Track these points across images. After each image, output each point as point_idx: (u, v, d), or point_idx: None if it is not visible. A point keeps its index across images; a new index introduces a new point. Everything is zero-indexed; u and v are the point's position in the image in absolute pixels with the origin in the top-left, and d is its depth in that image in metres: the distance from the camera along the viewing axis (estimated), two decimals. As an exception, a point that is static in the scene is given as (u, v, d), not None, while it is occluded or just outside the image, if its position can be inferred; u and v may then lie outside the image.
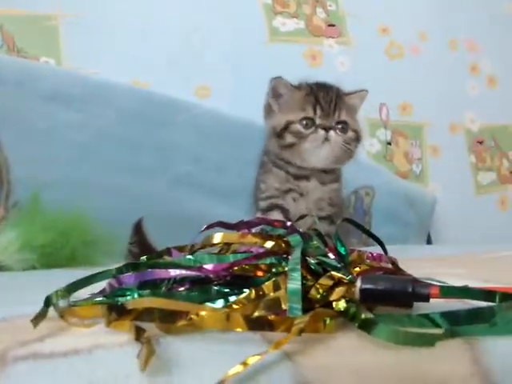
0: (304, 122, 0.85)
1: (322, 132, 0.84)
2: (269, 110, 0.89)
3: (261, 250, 0.41)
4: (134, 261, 0.42)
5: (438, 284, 0.37)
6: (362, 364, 0.30)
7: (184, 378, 0.29)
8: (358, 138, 0.88)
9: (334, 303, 0.34)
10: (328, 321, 0.32)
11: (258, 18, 1.52)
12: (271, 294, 0.34)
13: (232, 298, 0.35)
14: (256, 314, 0.33)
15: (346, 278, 0.36)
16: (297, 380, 0.29)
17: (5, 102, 1.03)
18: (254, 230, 0.46)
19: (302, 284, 0.34)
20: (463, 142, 1.72)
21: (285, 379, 0.29)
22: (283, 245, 0.41)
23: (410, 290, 0.35)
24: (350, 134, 0.87)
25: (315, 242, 0.42)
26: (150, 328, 0.31)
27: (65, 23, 1.31)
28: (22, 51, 1.27)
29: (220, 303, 0.35)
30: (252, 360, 0.28)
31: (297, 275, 0.34)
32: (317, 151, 0.85)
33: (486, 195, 1.72)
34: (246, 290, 0.35)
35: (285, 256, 0.39)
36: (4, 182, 1.00)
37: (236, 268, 0.38)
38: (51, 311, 0.36)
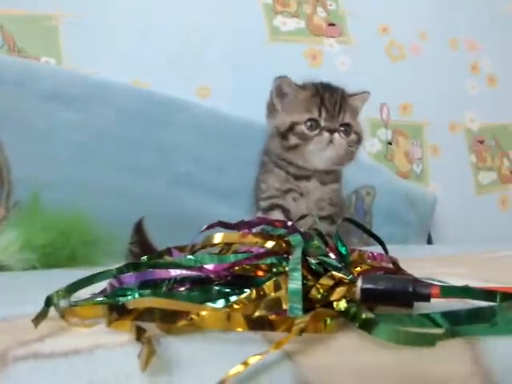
0: (309, 124, 0.84)
1: (326, 134, 0.83)
2: (272, 109, 0.89)
3: (261, 250, 0.41)
4: (135, 261, 0.42)
5: (439, 284, 0.37)
6: (363, 364, 0.30)
7: (185, 377, 0.29)
8: (359, 140, 0.88)
9: (334, 303, 0.34)
10: (329, 321, 0.32)
11: (258, 18, 1.52)
12: (272, 293, 0.34)
13: (233, 298, 0.35)
14: (257, 313, 0.33)
15: (347, 278, 0.36)
16: (297, 380, 0.29)
17: (5, 101, 1.03)
18: (254, 230, 0.46)
19: (303, 284, 0.34)
20: (463, 142, 1.72)
21: (285, 379, 0.29)
22: (284, 245, 0.41)
23: (411, 289, 0.35)
24: (353, 136, 0.86)
25: (316, 242, 0.42)
26: (151, 328, 0.31)
27: (65, 23, 1.32)
28: (23, 51, 1.27)
29: (221, 303, 0.35)
30: (253, 360, 0.28)
31: (297, 275, 0.34)
32: (321, 153, 0.84)
33: (487, 195, 1.72)
34: (247, 290, 0.35)
35: (285, 256, 0.39)
36: (4, 182, 1.00)
37: (237, 268, 0.38)
38: (52, 311, 0.36)
